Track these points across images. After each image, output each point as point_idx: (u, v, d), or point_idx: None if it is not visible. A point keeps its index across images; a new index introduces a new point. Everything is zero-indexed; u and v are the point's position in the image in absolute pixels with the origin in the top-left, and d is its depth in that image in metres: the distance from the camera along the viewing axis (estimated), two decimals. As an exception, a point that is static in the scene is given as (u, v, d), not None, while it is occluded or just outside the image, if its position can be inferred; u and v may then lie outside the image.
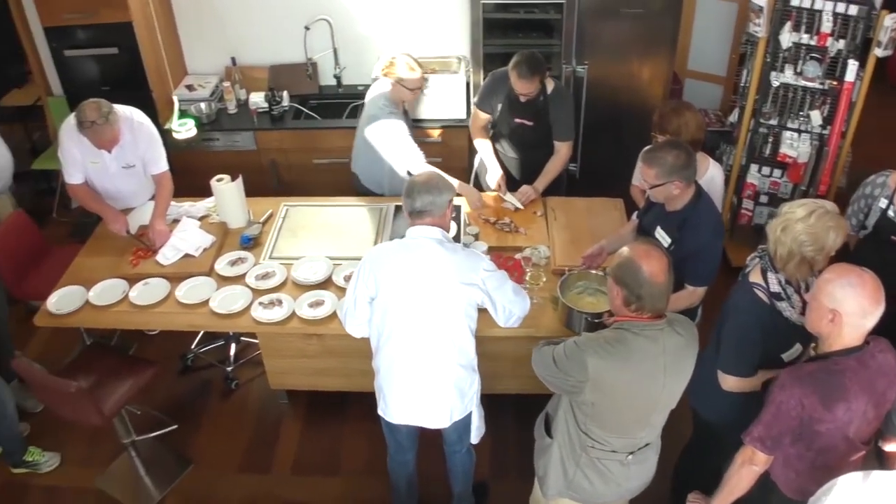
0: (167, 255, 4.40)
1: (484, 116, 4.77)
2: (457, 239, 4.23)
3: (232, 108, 5.85)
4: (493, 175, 4.72)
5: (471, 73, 5.30)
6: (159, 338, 5.24)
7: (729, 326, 3.16)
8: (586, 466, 3.07)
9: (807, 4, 4.66)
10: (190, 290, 4.20)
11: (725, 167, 5.44)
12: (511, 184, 4.76)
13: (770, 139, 5.21)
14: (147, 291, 4.21)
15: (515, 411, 4.51)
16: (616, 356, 2.79)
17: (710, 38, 6.10)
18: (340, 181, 5.43)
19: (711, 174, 4.00)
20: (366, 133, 4.63)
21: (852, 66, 4.69)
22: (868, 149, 5.73)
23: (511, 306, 3.35)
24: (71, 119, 4.45)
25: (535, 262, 4.15)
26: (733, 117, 5.64)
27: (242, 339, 5.14)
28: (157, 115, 5.59)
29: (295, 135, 5.65)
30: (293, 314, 3.99)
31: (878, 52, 4.61)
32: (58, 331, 4.32)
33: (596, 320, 3.50)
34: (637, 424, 2.97)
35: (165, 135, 4.78)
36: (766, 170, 5.32)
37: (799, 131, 5.07)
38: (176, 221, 4.67)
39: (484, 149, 4.80)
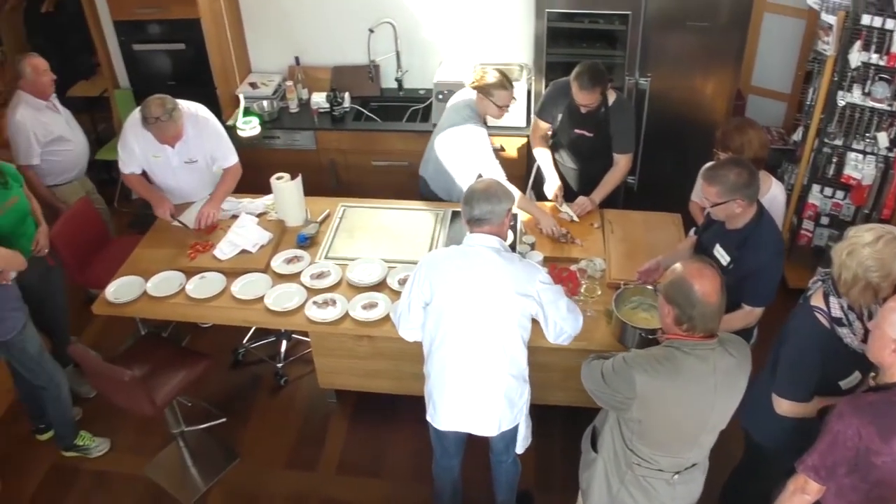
0: (224, 251, 4.45)
1: (544, 126, 4.75)
2: (513, 248, 4.21)
3: (294, 107, 5.92)
4: (551, 185, 4.70)
5: (532, 82, 5.28)
6: (212, 331, 5.31)
7: (787, 349, 3.09)
8: (631, 484, 3.04)
9: (877, 24, 4.57)
10: (245, 286, 4.24)
11: (787, 186, 5.36)
12: (568, 194, 4.73)
13: (834, 160, 5.11)
14: (203, 285, 4.27)
15: (563, 423, 4.48)
16: (664, 374, 2.76)
17: (776, 53, 6.01)
18: (398, 183, 5.46)
19: (773, 193, 3.93)
20: (443, 139, 4.62)
21: (922, 88, 4.60)
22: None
23: (563, 323, 3.31)
24: (136, 113, 4.53)
25: (590, 274, 4.12)
26: (797, 136, 5.55)
27: (294, 336, 5.18)
28: (220, 111, 5.69)
29: (354, 136, 5.69)
30: (346, 315, 4.01)
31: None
32: (113, 319, 4.39)
33: (650, 336, 3.46)
34: (684, 444, 2.93)
35: (228, 132, 4.83)
36: (828, 191, 5.22)
37: (864, 153, 4.96)
38: (234, 217, 4.72)
39: (543, 158, 4.78)
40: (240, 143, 5.31)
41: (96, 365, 3.86)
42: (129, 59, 5.85)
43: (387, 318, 3.96)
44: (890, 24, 4.53)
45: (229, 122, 5.72)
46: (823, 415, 2.93)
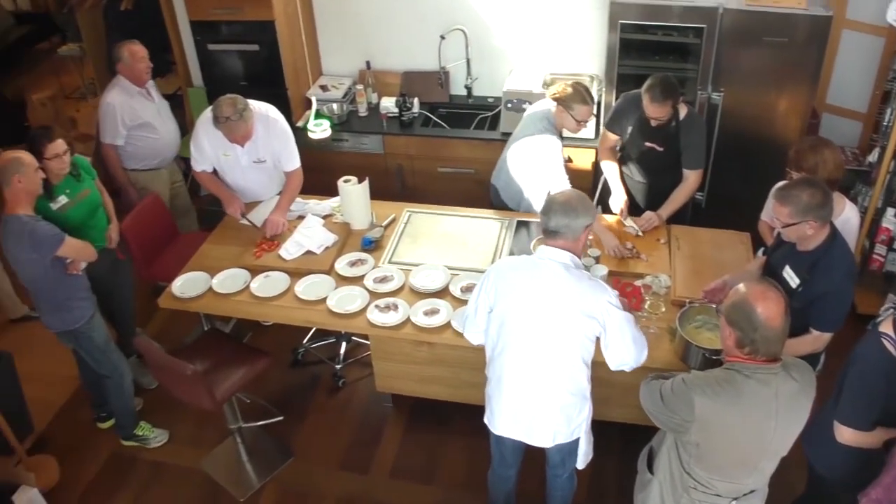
0: (290, 251, 4.49)
1: (613, 138, 4.71)
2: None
3: (363, 110, 5.96)
4: (617, 199, 4.64)
5: (603, 93, 5.24)
6: (273, 329, 5.35)
7: (851, 375, 3.01)
8: (686, 508, 2.98)
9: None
10: (309, 287, 4.27)
11: (860, 209, 5.22)
12: (635, 209, 4.68)
13: (910, 183, 4.99)
14: (268, 284, 4.31)
15: (620, 440, 4.43)
16: (724, 397, 2.70)
17: (853, 71, 5.86)
18: (463, 190, 5.45)
19: (847, 216, 3.84)
20: (517, 148, 4.61)
21: None
22: None
23: (625, 353, 3.22)
24: (208, 112, 4.61)
25: (654, 290, 4.06)
26: (872, 157, 5.40)
27: (353, 338, 5.21)
28: (290, 112, 5.74)
29: (422, 141, 5.69)
30: (407, 320, 4.01)
31: None
32: (177, 312, 4.45)
33: (713, 357, 3.39)
34: (743, 469, 2.87)
35: (297, 133, 4.88)
36: (903, 215, 5.09)
37: (942, 177, 4.83)
38: (301, 218, 4.76)
39: (610, 171, 4.74)
40: (309, 145, 5.38)
41: (160, 357, 3.91)
42: (203, 58, 5.93)
43: (447, 326, 3.95)
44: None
45: (299, 124, 5.80)
46: (889, 447, 2.86)
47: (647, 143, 4.54)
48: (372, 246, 4.54)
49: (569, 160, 5.16)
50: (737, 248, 4.40)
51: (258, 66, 5.83)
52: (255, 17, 5.52)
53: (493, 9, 5.69)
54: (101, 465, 4.68)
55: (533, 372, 3.25)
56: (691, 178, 4.57)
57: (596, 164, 5.14)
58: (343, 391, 5.03)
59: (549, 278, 3.15)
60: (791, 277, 3.49)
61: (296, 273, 4.37)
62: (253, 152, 4.71)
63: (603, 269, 4.12)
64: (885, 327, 2.93)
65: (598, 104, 5.44)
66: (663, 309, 3.95)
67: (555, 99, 4.44)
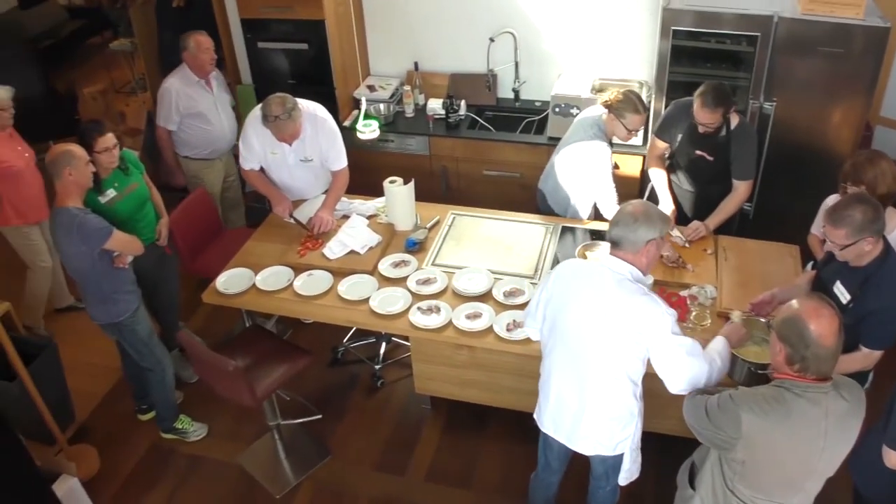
0: (334, 250, 4.49)
1: (662, 145, 4.66)
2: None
3: (409, 111, 5.96)
4: (665, 208, 4.58)
5: (652, 100, 5.18)
6: (313, 326, 5.36)
7: (901, 398, 2.96)
8: (729, 526, 2.93)
9: None
10: (352, 287, 4.27)
11: (913, 225, 5.12)
12: (682, 218, 4.63)
13: (965, 199, 4.86)
14: (311, 282, 4.32)
15: (659, 452, 4.35)
16: (773, 416, 2.64)
17: (909, 84, 5.78)
18: (507, 194, 5.43)
19: (900, 231, 3.76)
20: (566, 154, 4.58)
21: None
22: None
23: (677, 378, 3.06)
24: (256, 111, 4.64)
25: (700, 301, 4.01)
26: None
27: (393, 339, 5.20)
28: (337, 112, 5.76)
29: (468, 144, 5.68)
30: (449, 323, 3.99)
31: None
32: (219, 308, 4.48)
33: (759, 371, 3.32)
34: (789, 489, 2.81)
35: (344, 132, 4.89)
36: (957, 231, 4.96)
37: None
38: (345, 217, 4.76)
39: (658, 179, 4.69)
40: (354, 145, 5.38)
41: (202, 353, 3.93)
42: (252, 55, 5.98)
43: (489, 330, 3.93)
44: None
45: (345, 123, 5.81)
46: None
47: (697, 152, 4.48)
48: (416, 247, 4.53)
49: (616, 167, 5.11)
50: (785, 261, 4.32)
51: (307, 65, 5.85)
52: (306, 16, 5.55)
53: (544, 12, 5.65)
54: (141, 457, 4.72)
55: (575, 379, 3.22)
56: (741, 189, 4.50)
57: (643, 172, 5.09)
58: (381, 391, 5.03)
59: (601, 289, 3.10)
60: (842, 293, 3.42)
61: (339, 272, 4.37)
62: (300, 151, 4.73)
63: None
64: None
65: (647, 111, 5.38)
66: (709, 321, 3.88)
67: (606, 106, 4.40)
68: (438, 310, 4.07)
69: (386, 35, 6.13)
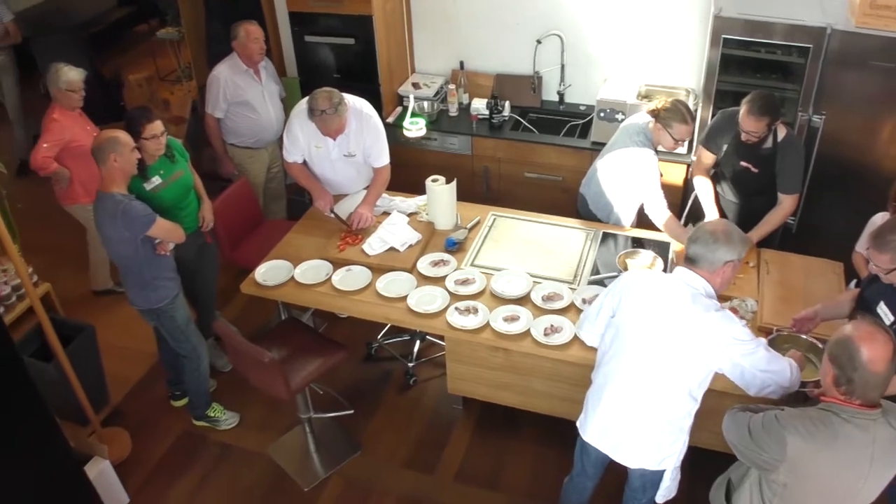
0: (373, 246, 4.50)
1: (709, 157, 4.60)
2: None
3: (453, 110, 5.96)
4: (710, 218, 4.55)
5: (699, 108, 5.13)
6: (349, 321, 5.36)
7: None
8: (767, 550, 2.88)
9: None
10: (390, 284, 4.27)
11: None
12: (726, 229, 4.56)
13: None
14: (349, 277, 4.33)
15: (690, 464, 4.31)
16: (820, 440, 2.59)
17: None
18: (548, 197, 5.40)
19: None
20: (611, 159, 4.55)
21: None
22: None
23: (759, 384, 3.08)
24: (303, 104, 4.65)
25: (741, 314, 3.95)
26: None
27: (427, 337, 5.20)
28: (381, 108, 5.76)
29: (511, 145, 5.66)
30: (487, 325, 3.98)
31: None
32: (255, 298, 4.50)
33: (800, 388, 3.28)
34: (829, 514, 2.76)
35: (388, 129, 4.89)
36: None
37: None
38: (386, 214, 4.77)
39: (703, 189, 4.63)
40: (398, 142, 5.39)
41: (238, 343, 3.94)
42: (299, 49, 6.00)
43: (526, 334, 3.91)
44: None
45: (389, 120, 5.82)
46: None
47: (742, 163, 4.43)
48: (455, 247, 4.52)
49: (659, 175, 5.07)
50: (829, 278, 4.25)
51: (352, 60, 5.86)
52: (354, 11, 5.56)
53: (592, 15, 5.61)
54: (172, 443, 4.76)
55: (634, 389, 3.18)
56: (786, 203, 4.43)
57: (686, 181, 5.03)
58: (414, 389, 5.03)
59: (674, 301, 3.07)
60: (886, 314, 3.35)
61: (378, 269, 4.37)
62: (344, 146, 4.73)
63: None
64: None
65: (694, 121, 5.33)
66: (749, 334, 3.83)
67: (653, 114, 4.37)
68: (476, 311, 4.05)
69: (432, 33, 6.13)
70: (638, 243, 4.50)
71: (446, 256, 4.45)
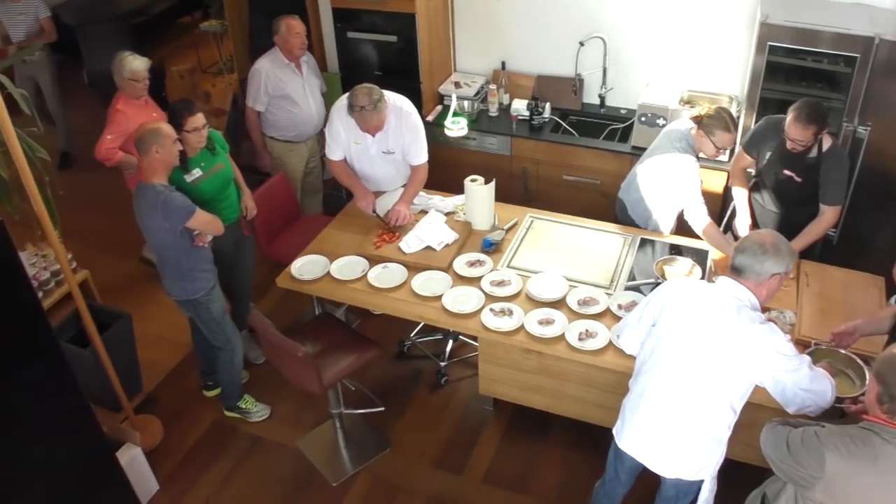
0: (410, 244, 4.50)
1: (748, 159, 4.55)
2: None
3: (493, 111, 5.94)
4: (744, 223, 4.51)
5: (742, 116, 5.07)
6: (382, 318, 5.36)
7: None
8: (803, 568, 2.82)
9: None
10: (425, 283, 4.27)
11: None
12: (765, 239, 4.51)
13: None
14: (385, 275, 4.34)
15: (722, 475, 4.27)
16: (860, 459, 2.54)
17: None
18: (586, 200, 5.37)
19: None
20: (651, 165, 4.52)
21: None
22: None
23: (799, 401, 3.04)
24: (343, 100, 4.66)
25: (779, 326, 3.89)
26: None
27: (460, 337, 5.18)
28: (421, 106, 5.77)
29: (550, 147, 5.63)
30: (521, 327, 3.97)
31: None
32: (290, 292, 4.52)
33: (837, 405, 3.23)
34: (866, 535, 2.71)
35: (428, 127, 4.89)
36: None
37: None
38: (423, 212, 4.77)
39: (739, 194, 4.60)
40: (437, 140, 5.38)
41: (273, 336, 3.96)
42: (341, 45, 6.01)
43: (561, 338, 3.89)
44: None
45: (429, 118, 5.82)
46: None
47: (786, 172, 4.36)
48: (492, 248, 4.51)
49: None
50: (870, 292, 4.18)
51: (394, 57, 5.87)
52: (398, 8, 5.56)
53: (636, 19, 5.57)
54: (203, 432, 4.80)
55: (674, 399, 3.15)
56: (828, 214, 4.36)
57: (727, 189, 4.98)
58: (445, 389, 5.02)
59: (718, 311, 3.04)
60: (927, 332, 3.31)
61: (414, 267, 4.38)
62: (383, 143, 4.74)
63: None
64: None
65: (737, 129, 5.27)
66: (787, 346, 3.78)
67: (695, 121, 4.32)
68: (511, 313, 4.04)
69: (474, 32, 6.11)
70: (676, 250, 4.45)
71: (483, 257, 4.44)
